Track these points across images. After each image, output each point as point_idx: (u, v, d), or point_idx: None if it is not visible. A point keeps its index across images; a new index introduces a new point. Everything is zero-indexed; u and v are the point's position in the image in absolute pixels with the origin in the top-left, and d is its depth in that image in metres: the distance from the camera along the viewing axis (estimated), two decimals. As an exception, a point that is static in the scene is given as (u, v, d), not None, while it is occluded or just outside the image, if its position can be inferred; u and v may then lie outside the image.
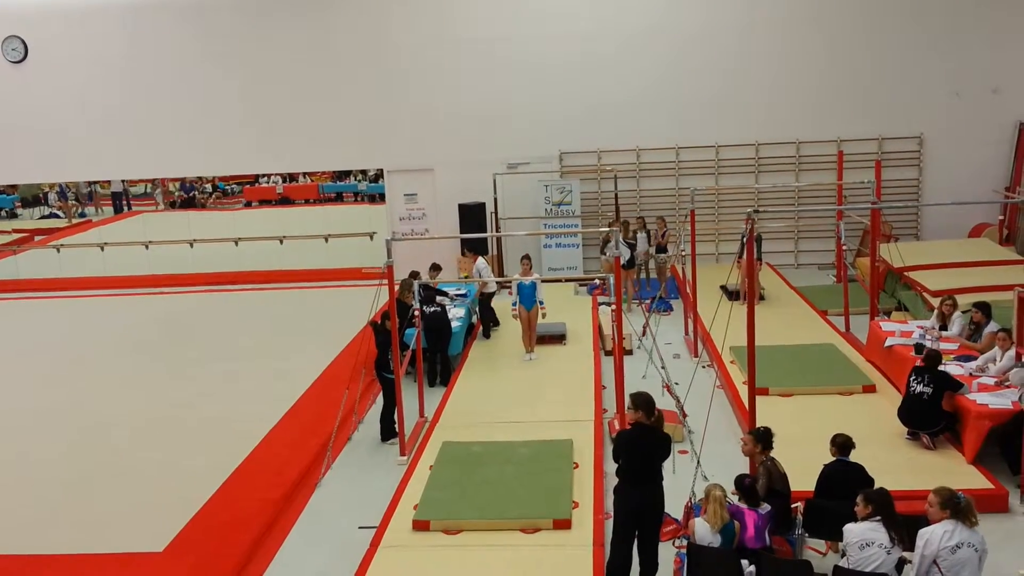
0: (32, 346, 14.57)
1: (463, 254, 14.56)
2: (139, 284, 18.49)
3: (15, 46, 17.77)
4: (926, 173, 16.59)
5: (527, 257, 12.16)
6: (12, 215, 30.23)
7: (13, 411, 11.30)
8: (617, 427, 8.86)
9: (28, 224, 28.12)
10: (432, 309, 11.51)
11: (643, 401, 6.53)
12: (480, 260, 13.11)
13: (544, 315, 11.91)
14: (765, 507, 6.34)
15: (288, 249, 19.67)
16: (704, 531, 6.15)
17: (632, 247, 14.48)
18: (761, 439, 6.81)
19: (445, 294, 12.79)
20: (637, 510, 6.39)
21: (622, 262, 14.17)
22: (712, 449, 8.04)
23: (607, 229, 11.22)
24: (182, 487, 8.60)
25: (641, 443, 6.44)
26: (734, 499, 6.48)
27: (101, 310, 16.89)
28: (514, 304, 11.79)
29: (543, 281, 12.40)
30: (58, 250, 20.82)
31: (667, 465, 6.62)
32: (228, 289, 17.82)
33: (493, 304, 13.20)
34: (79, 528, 8.01)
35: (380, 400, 10.08)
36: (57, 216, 29.63)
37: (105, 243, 20.35)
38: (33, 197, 30.97)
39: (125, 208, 30.60)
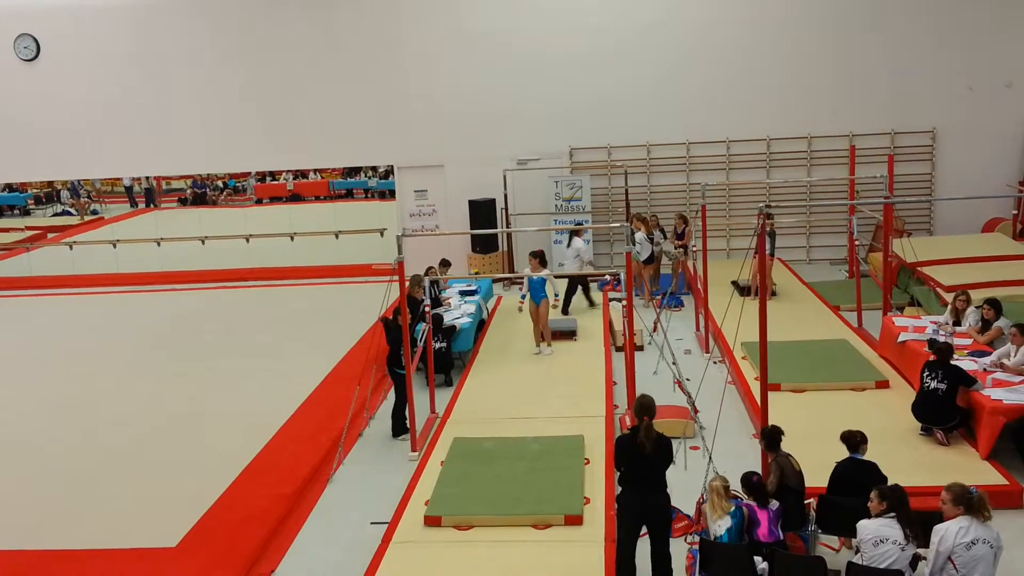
0: (44, 343, 14.65)
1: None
2: (151, 281, 18.59)
3: (27, 44, 17.83)
4: (939, 167, 16.48)
5: (536, 254, 12.00)
6: (25, 212, 30.40)
7: (25, 408, 11.37)
8: (628, 424, 8.84)
9: (41, 221, 28.29)
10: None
11: (639, 405, 6.38)
12: (577, 239, 13.58)
13: (555, 305, 11.93)
14: (774, 503, 6.31)
15: (299, 246, 19.70)
16: (710, 520, 6.20)
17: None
18: (766, 438, 6.81)
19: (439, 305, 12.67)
20: (640, 519, 6.27)
21: (642, 257, 14.21)
22: (724, 445, 8.00)
23: (619, 224, 11.18)
24: (195, 483, 8.64)
25: (639, 449, 6.21)
26: (743, 496, 6.46)
27: (113, 307, 16.97)
28: (522, 297, 11.85)
29: (556, 276, 12.43)
30: (71, 247, 20.92)
31: (679, 461, 6.57)
32: (239, 286, 17.88)
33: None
34: (93, 523, 8.05)
35: (391, 396, 10.10)
36: (69, 213, 29.78)
37: (117, 240, 20.46)
38: (46, 194, 31.14)
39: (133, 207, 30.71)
